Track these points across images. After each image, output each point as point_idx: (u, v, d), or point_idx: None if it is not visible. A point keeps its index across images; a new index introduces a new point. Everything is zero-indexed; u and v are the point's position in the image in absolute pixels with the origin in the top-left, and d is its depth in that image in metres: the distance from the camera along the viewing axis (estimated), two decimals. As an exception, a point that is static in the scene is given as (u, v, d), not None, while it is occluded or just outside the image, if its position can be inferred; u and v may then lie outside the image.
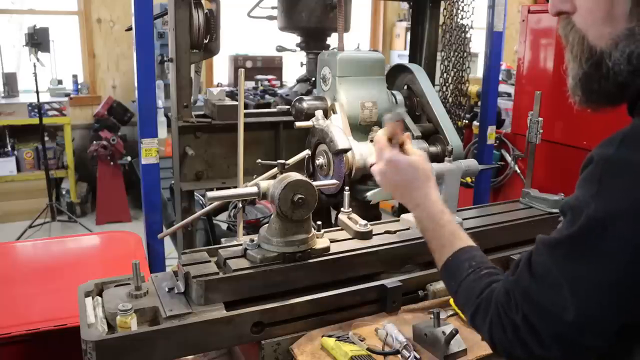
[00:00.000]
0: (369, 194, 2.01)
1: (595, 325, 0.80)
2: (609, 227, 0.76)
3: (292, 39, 2.64)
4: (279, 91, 5.16)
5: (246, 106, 4.39)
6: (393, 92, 2.24)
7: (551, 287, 0.82)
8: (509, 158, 3.92)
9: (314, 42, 2.57)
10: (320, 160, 1.99)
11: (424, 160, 1.26)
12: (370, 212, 2.07)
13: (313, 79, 2.61)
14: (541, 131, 2.02)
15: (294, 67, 5.06)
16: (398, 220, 1.71)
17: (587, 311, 0.79)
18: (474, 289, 1.00)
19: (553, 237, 0.85)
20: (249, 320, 1.27)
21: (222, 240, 1.65)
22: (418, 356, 1.25)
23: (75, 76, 6.04)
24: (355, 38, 6.63)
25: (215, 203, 1.79)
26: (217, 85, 6.54)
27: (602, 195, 0.77)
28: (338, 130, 1.91)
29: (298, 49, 2.62)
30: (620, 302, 0.78)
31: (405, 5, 6.49)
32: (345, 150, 1.88)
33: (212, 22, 2.35)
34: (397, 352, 1.24)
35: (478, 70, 4.94)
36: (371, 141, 2.05)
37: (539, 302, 0.84)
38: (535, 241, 0.88)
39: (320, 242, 1.44)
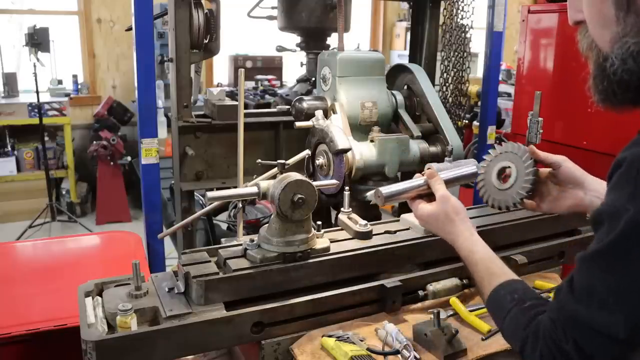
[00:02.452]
0: (369, 194, 2.00)
1: None
2: None
3: (292, 39, 2.64)
4: (279, 91, 5.16)
5: (246, 106, 4.39)
6: (393, 92, 2.24)
7: (597, 304, 0.79)
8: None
9: (314, 42, 2.57)
10: (320, 160, 1.99)
11: (445, 200, 1.30)
12: (370, 212, 2.07)
13: (313, 79, 2.61)
14: (541, 131, 2.02)
15: (294, 67, 5.06)
16: (398, 220, 1.71)
17: (639, 322, 0.75)
18: (519, 322, 0.98)
19: (591, 250, 0.81)
20: (249, 320, 1.27)
21: (222, 240, 1.65)
22: (418, 356, 1.25)
23: (75, 76, 6.04)
24: (355, 38, 6.63)
25: (215, 203, 1.79)
26: (217, 85, 6.54)
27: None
28: (338, 130, 1.91)
29: (298, 49, 2.62)
30: None
31: (405, 5, 6.49)
32: (345, 150, 1.88)
33: (212, 22, 2.35)
34: (397, 352, 1.24)
35: (478, 70, 4.95)
36: (372, 141, 2.05)
37: (586, 324, 0.81)
38: (575, 259, 0.85)
39: (320, 242, 1.44)
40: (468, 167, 1.47)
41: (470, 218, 1.76)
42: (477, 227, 1.70)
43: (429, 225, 1.35)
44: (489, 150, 1.49)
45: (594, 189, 1.32)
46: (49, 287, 2.00)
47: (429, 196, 1.37)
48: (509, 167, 1.41)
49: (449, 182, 1.39)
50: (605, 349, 0.79)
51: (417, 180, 1.39)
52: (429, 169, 1.50)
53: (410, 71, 2.31)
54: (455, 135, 2.19)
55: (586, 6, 0.91)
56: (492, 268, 1.15)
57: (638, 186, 0.75)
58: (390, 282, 1.44)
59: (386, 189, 1.37)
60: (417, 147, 2.13)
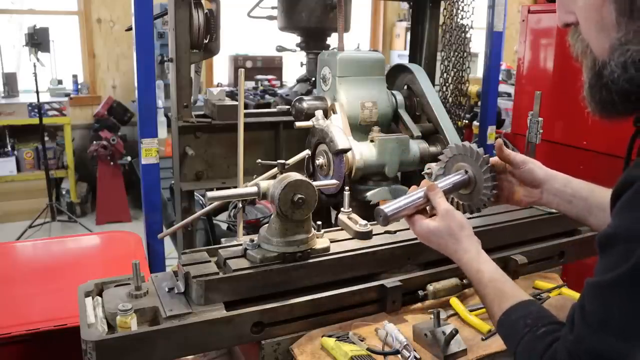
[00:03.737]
0: (369, 194, 2.01)
1: None
2: None
3: (292, 39, 2.64)
4: (279, 91, 5.16)
5: (246, 106, 4.39)
6: (393, 92, 2.24)
7: (614, 336, 0.76)
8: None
9: (314, 42, 2.57)
10: (320, 160, 1.99)
11: (448, 215, 1.23)
12: (370, 212, 2.06)
13: (313, 79, 2.61)
14: (541, 131, 2.02)
15: (294, 67, 5.06)
16: (398, 220, 1.71)
17: None
18: (534, 349, 0.93)
19: (606, 278, 0.77)
20: (249, 320, 1.27)
21: (222, 240, 1.65)
22: (418, 356, 1.25)
23: (75, 76, 6.05)
24: (355, 38, 6.63)
25: (215, 203, 1.79)
26: (217, 85, 6.54)
27: None
28: (338, 130, 1.91)
29: (298, 49, 2.62)
30: None
31: (405, 5, 6.49)
32: (345, 150, 1.88)
33: (212, 22, 2.35)
34: (397, 352, 1.24)
35: (478, 70, 4.94)
36: (372, 141, 2.05)
37: (602, 357, 0.77)
38: (585, 286, 0.82)
39: (320, 242, 1.44)
40: (457, 174, 1.39)
41: (470, 218, 1.78)
42: (477, 227, 1.70)
43: (431, 243, 1.26)
44: (444, 151, 1.44)
45: (554, 190, 1.29)
46: (49, 287, 2.00)
47: (426, 210, 1.31)
48: (467, 170, 1.37)
49: (446, 193, 1.33)
50: None
51: (417, 193, 1.29)
52: (428, 170, 1.49)
53: (410, 71, 2.31)
54: (455, 135, 2.19)
55: (581, 9, 0.86)
56: (502, 289, 1.10)
57: None
58: (390, 282, 1.44)
59: (388, 207, 1.28)
60: (417, 147, 2.13)
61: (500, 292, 1.09)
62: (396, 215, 1.28)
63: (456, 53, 3.77)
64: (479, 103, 3.78)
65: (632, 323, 0.74)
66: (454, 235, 1.22)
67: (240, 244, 1.42)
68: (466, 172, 1.35)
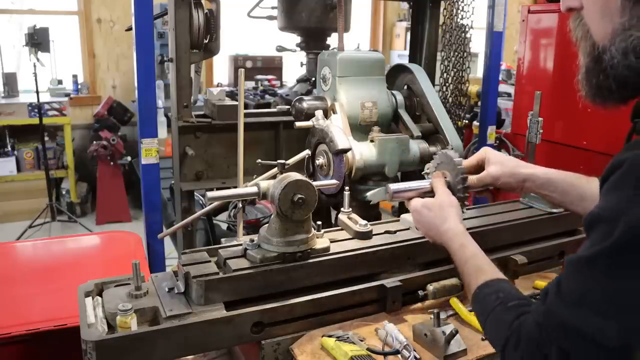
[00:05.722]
0: (369, 194, 2.01)
1: None
2: None
3: (292, 39, 2.64)
4: (279, 91, 5.16)
5: (246, 106, 4.39)
6: (393, 92, 2.24)
7: (589, 312, 0.75)
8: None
9: (314, 42, 2.57)
10: (320, 160, 1.99)
11: (444, 194, 1.35)
12: (370, 212, 2.07)
13: (313, 79, 2.61)
14: (541, 131, 2.02)
15: (294, 67, 5.06)
16: (398, 220, 1.71)
17: (634, 334, 0.72)
18: (501, 321, 0.95)
19: (586, 254, 0.78)
20: (249, 320, 1.27)
21: (222, 240, 1.65)
22: (418, 356, 1.25)
23: (75, 76, 6.05)
24: (355, 38, 6.63)
25: (215, 203, 1.79)
26: (217, 85, 6.54)
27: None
28: (338, 130, 1.91)
29: (298, 49, 2.62)
30: None
31: (405, 5, 6.49)
32: (345, 150, 1.88)
33: (212, 22, 2.35)
34: (397, 352, 1.24)
35: (478, 70, 4.94)
36: (372, 141, 2.05)
37: (576, 332, 0.77)
38: (565, 263, 0.82)
39: (320, 242, 1.44)
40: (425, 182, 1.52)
41: (470, 218, 1.78)
42: (477, 227, 1.71)
43: (422, 216, 1.36)
44: (433, 157, 1.54)
45: (533, 190, 1.39)
46: (49, 287, 2.00)
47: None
48: (447, 177, 1.46)
49: (419, 194, 1.46)
50: (592, 356, 0.76)
51: (424, 181, 1.47)
52: (428, 170, 1.52)
53: (410, 71, 2.31)
54: (455, 135, 2.19)
55: None
56: (481, 266, 1.15)
57: (638, 190, 0.72)
58: (390, 282, 1.44)
59: (395, 185, 1.44)
60: (417, 147, 2.13)
61: (478, 269, 1.14)
62: (400, 194, 1.43)
63: (456, 53, 3.78)
64: (479, 103, 3.78)
65: (609, 299, 0.74)
66: (444, 210, 1.31)
67: (240, 244, 1.42)
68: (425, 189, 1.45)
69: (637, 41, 0.79)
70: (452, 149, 2.02)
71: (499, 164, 1.39)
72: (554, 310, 0.81)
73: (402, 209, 2.40)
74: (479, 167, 1.44)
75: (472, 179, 1.42)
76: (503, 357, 0.94)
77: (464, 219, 1.72)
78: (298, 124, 2.02)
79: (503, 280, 1.09)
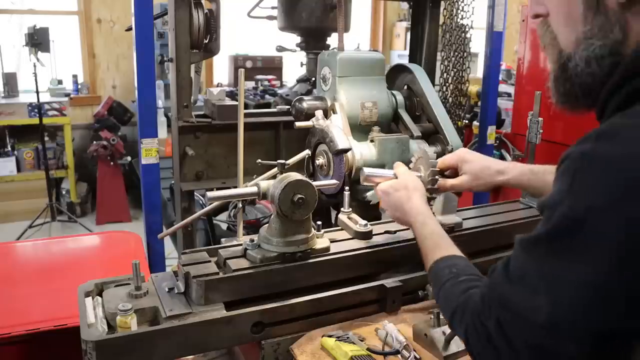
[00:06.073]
0: (369, 194, 2.00)
1: (572, 330, 0.75)
2: (583, 223, 0.73)
3: (292, 39, 2.64)
4: (279, 91, 5.16)
5: (246, 106, 4.39)
6: (393, 92, 2.24)
7: (526, 289, 0.79)
8: (509, 158, 3.92)
9: (314, 42, 2.57)
10: (320, 160, 1.99)
11: (406, 174, 1.43)
12: (370, 212, 2.06)
13: (313, 79, 2.61)
14: (541, 131, 2.03)
15: (294, 67, 5.06)
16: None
17: (560, 313, 0.75)
18: (451, 294, 1.01)
19: (530, 236, 0.82)
20: (249, 320, 1.27)
21: (222, 240, 1.65)
22: (418, 356, 1.25)
23: (75, 76, 6.04)
24: (355, 38, 6.64)
25: (215, 203, 1.79)
26: (217, 85, 6.54)
27: (576, 191, 0.75)
28: (338, 130, 1.91)
29: (298, 49, 2.62)
30: (597, 303, 0.73)
31: (405, 5, 6.49)
32: (345, 150, 1.88)
33: (212, 22, 2.35)
34: (397, 352, 1.24)
35: (478, 70, 4.95)
36: (372, 141, 2.05)
37: (512, 306, 0.81)
38: (514, 243, 0.86)
39: (320, 242, 1.44)
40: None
41: (470, 218, 1.78)
42: (477, 227, 1.71)
43: (389, 196, 1.40)
44: (414, 153, 1.59)
45: (510, 186, 1.46)
46: (49, 287, 2.00)
47: None
48: (420, 172, 1.52)
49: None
50: (522, 331, 0.79)
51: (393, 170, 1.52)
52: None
53: (410, 71, 2.31)
54: (455, 135, 2.19)
55: (551, 1, 0.88)
56: (439, 242, 1.20)
57: (575, 182, 0.75)
58: (390, 282, 1.44)
59: (369, 169, 1.51)
60: (417, 147, 2.13)
61: (436, 245, 1.19)
62: (372, 177, 1.49)
63: (456, 53, 3.78)
64: (479, 103, 3.78)
65: (542, 278, 0.78)
66: (409, 191, 1.36)
67: (240, 244, 1.42)
68: (395, 176, 1.48)
69: (599, 50, 0.81)
70: (452, 149, 2.02)
71: (472, 175, 1.45)
72: (497, 284, 0.86)
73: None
74: (455, 170, 1.50)
75: (445, 182, 1.48)
76: (451, 327, 1.01)
77: (465, 219, 1.74)
78: (298, 124, 2.02)
79: (458, 257, 1.14)
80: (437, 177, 1.47)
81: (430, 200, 1.47)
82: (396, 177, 1.46)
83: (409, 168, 1.55)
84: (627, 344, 0.76)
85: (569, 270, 0.75)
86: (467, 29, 3.71)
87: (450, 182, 1.48)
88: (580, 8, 0.83)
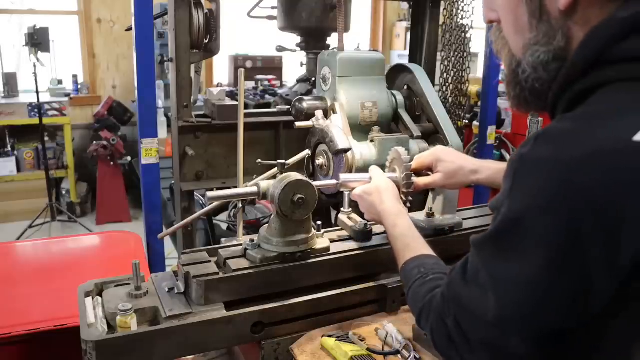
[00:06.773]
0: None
1: (517, 328, 0.77)
2: (520, 224, 0.75)
3: (292, 39, 2.64)
4: (279, 91, 5.16)
5: (246, 106, 4.39)
6: (393, 92, 2.24)
7: (478, 288, 0.82)
8: (509, 158, 3.92)
9: (314, 42, 2.57)
10: (320, 160, 1.99)
11: (378, 177, 1.45)
12: (370, 212, 2.06)
13: (313, 79, 2.61)
14: (541, 131, 2.02)
15: (294, 67, 5.06)
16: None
17: (505, 311, 0.77)
18: (419, 294, 1.04)
19: (482, 236, 0.85)
20: (249, 320, 1.27)
21: (222, 240, 1.65)
22: (418, 356, 1.25)
23: (75, 76, 6.04)
24: (355, 38, 6.64)
25: (215, 203, 1.79)
26: (217, 85, 6.54)
27: (514, 193, 0.77)
28: (338, 130, 1.91)
29: (298, 49, 2.62)
30: (537, 302, 0.75)
31: (405, 5, 6.49)
32: (345, 150, 1.88)
33: (212, 22, 2.35)
34: (397, 352, 1.24)
35: (478, 70, 4.95)
36: (372, 141, 2.05)
37: (467, 304, 0.84)
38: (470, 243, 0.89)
39: (320, 242, 1.44)
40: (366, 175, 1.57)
41: (470, 218, 1.78)
42: (477, 227, 1.71)
43: (364, 200, 1.43)
44: (390, 152, 1.60)
45: (482, 184, 1.51)
46: (49, 287, 2.00)
47: None
48: (396, 172, 1.54)
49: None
50: (476, 329, 0.82)
51: (367, 174, 1.53)
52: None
53: (410, 71, 2.30)
54: (455, 135, 2.19)
55: (501, 8, 0.91)
56: (410, 243, 1.22)
57: (514, 183, 0.77)
58: (390, 282, 1.44)
59: (344, 175, 1.54)
60: (417, 147, 2.13)
61: (406, 246, 1.22)
62: (347, 183, 1.51)
63: (456, 53, 3.78)
64: (479, 103, 3.78)
65: (489, 277, 0.80)
66: (381, 193, 1.39)
67: (240, 244, 1.42)
68: (371, 178, 1.49)
69: (543, 56, 0.84)
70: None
71: (446, 174, 1.48)
72: (454, 283, 0.89)
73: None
74: (430, 168, 1.52)
75: (420, 181, 1.50)
76: (420, 326, 1.03)
77: (465, 219, 1.74)
78: (298, 124, 2.02)
79: (428, 256, 1.16)
80: (412, 177, 1.49)
81: (406, 201, 1.48)
82: (368, 181, 1.47)
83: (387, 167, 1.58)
84: (577, 343, 0.78)
85: (511, 269, 0.77)
86: (467, 29, 3.71)
87: (424, 181, 1.51)
88: (526, 16, 0.85)
